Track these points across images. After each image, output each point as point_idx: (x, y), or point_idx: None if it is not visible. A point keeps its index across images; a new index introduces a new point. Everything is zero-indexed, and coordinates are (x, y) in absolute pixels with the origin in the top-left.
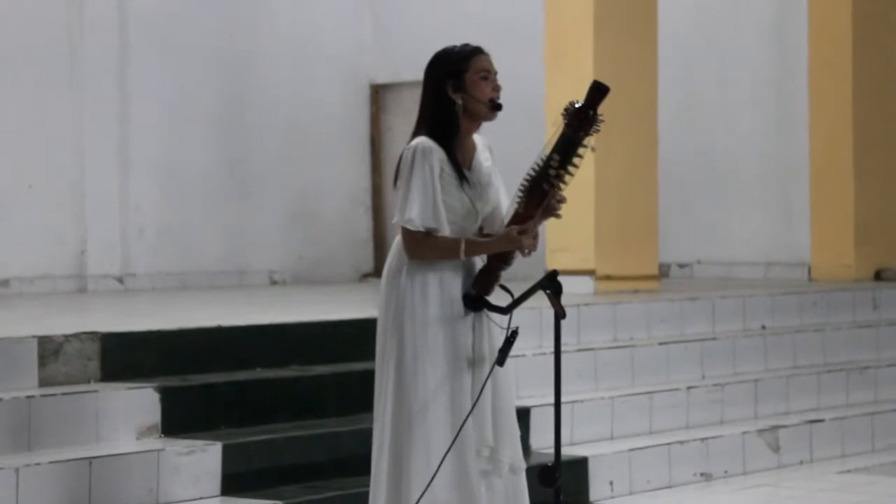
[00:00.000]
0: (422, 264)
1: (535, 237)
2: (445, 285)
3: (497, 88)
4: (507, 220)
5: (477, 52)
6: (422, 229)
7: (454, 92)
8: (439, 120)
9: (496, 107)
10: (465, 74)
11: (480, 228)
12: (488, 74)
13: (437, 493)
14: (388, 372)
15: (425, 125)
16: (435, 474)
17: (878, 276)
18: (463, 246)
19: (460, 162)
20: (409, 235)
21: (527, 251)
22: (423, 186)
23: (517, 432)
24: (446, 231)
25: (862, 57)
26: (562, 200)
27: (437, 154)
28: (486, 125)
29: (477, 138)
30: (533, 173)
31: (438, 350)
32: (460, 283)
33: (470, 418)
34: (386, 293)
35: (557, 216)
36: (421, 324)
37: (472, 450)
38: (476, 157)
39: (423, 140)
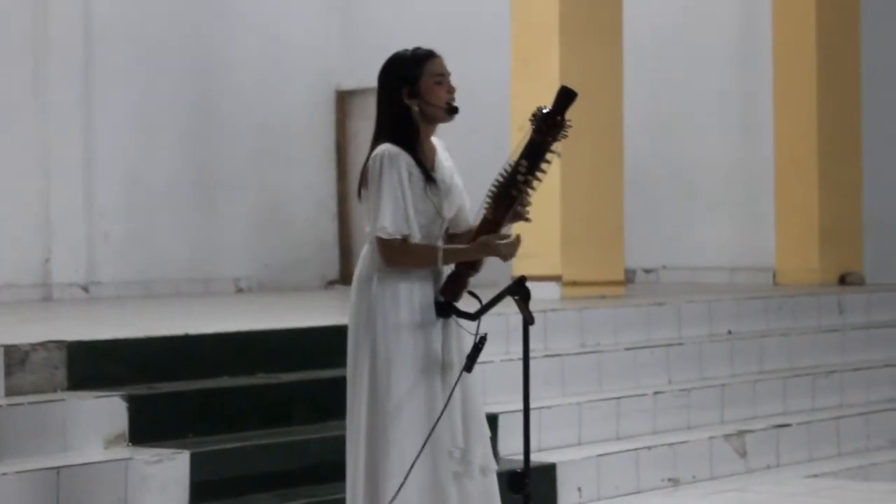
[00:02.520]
0: (392, 271)
1: (515, 244)
2: (416, 292)
3: (451, 90)
4: (475, 226)
5: (429, 55)
6: (397, 237)
7: (409, 98)
8: (399, 126)
9: (452, 110)
10: (420, 80)
11: (446, 230)
12: (442, 78)
13: (410, 495)
14: (362, 378)
15: (386, 132)
16: (407, 475)
17: (842, 280)
18: (440, 254)
19: (425, 164)
20: (384, 244)
21: (506, 258)
22: (393, 193)
23: (487, 434)
24: (417, 236)
25: (826, 63)
26: (527, 204)
27: (404, 158)
28: (452, 130)
29: (435, 140)
30: (501, 179)
31: (409, 355)
32: (430, 289)
33: (441, 421)
34: (357, 300)
35: (527, 220)
36: (392, 329)
37: (444, 453)
38: (437, 159)
39: (387, 147)
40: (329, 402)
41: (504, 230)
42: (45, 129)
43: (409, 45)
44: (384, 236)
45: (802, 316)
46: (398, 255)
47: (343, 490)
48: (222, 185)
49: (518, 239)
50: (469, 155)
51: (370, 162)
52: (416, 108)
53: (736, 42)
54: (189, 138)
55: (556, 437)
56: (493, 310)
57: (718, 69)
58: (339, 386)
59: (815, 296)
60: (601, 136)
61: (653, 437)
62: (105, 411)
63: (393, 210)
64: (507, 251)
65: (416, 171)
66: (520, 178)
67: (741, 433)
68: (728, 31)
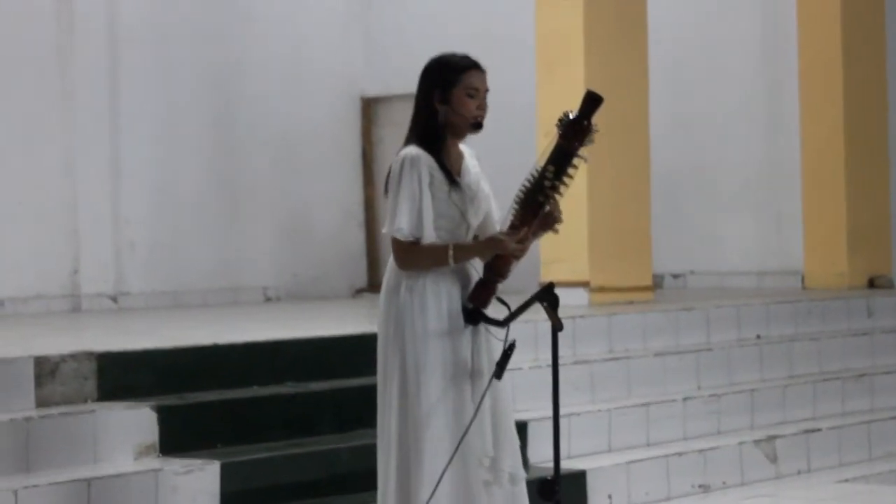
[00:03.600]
0: (420, 279)
1: (523, 245)
2: (444, 299)
3: (483, 107)
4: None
5: (471, 67)
6: (410, 238)
7: (439, 103)
8: (427, 128)
9: (476, 126)
10: (453, 89)
11: (475, 237)
12: (476, 93)
13: (441, 503)
14: (392, 387)
15: (415, 133)
16: (438, 484)
17: (871, 283)
18: (451, 252)
19: (450, 169)
20: (397, 245)
21: (515, 257)
22: (411, 196)
23: (517, 442)
24: (431, 239)
25: (852, 64)
26: (558, 214)
27: (426, 161)
28: (477, 136)
29: (463, 147)
30: (528, 185)
31: (438, 363)
32: (458, 296)
33: (471, 429)
34: (385, 308)
35: (555, 231)
36: (421, 337)
37: (474, 461)
38: (465, 165)
39: (411, 149)
40: (358, 410)
41: (531, 241)
42: (70, 140)
43: (434, 51)
44: (399, 237)
45: (832, 320)
46: (410, 256)
47: (372, 499)
48: (249, 193)
49: (528, 237)
50: (494, 161)
51: (392, 164)
52: (442, 114)
53: (761, 45)
54: (214, 147)
55: (585, 444)
56: (521, 316)
57: (743, 72)
58: (367, 395)
59: (844, 299)
60: (627, 141)
61: (683, 444)
62: (135, 422)
63: (409, 212)
64: (514, 248)
65: (439, 175)
66: (546, 183)
67: (771, 438)
68: (753, 34)
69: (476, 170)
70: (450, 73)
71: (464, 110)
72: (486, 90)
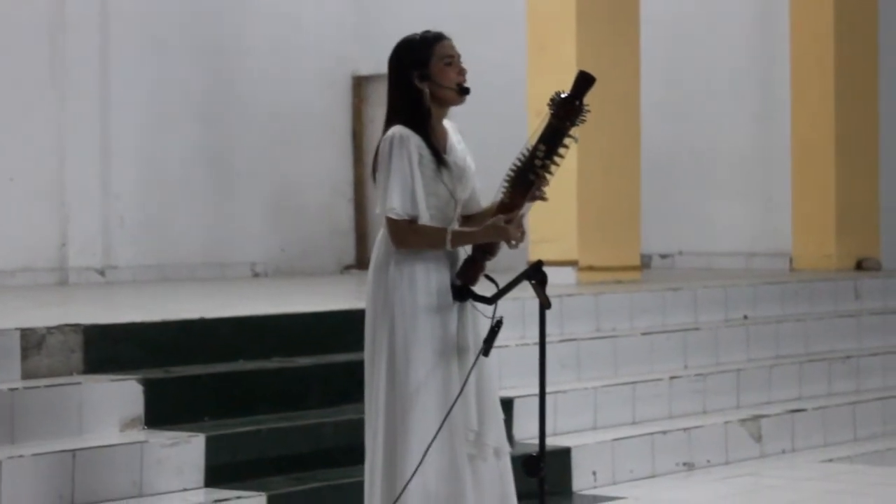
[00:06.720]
0: (409, 255)
1: (522, 229)
2: (433, 275)
3: (462, 72)
4: (488, 208)
5: (438, 38)
6: (405, 217)
7: (421, 81)
8: (411, 109)
9: (464, 91)
10: (430, 63)
11: (466, 217)
12: (452, 60)
13: (427, 478)
14: (380, 362)
15: (398, 116)
16: (423, 459)
17: (859, 265)
18: (449, 236)
19: (437, 147)
20: (393, 225)
21: (513, 243)
22: (402, 175)
23: (501, 417)
24: (425, 217)
25: (843, 47)
26: (544, 185)
27: (414, 141)
28: (467, 115)
29: (447, 123)
30: (518, 163)
31: (427, 339)
32: (447, 273)
33: (456, 404)
34: (374, 285)
35: (544, 199)
36: (410, 313)
37: (460, 436)
38: (450, 141)
39: (398, 129)
40: (344, 386)
41: (521, 213)
42: (61, 114)
43: (426, 29)
44: (393, 216)
45: (819, 301)
46: (407, 236)
47: (357, 473)
48: (238, 169)
49: (521, 220)
50: (484, 140)
51: (381, 144)
52: (427, 92)
53: (753, 26)
54: (205, 123)
55: (571, 421)
56: (509, 294)
57: (735, 53)
58: (354, 370)
59: (832, 281)
60: (618, 122)
61: (668, 422)
62: (121, 395)
63: (401, 191)
64: (515, 235)
65: (427, 154)
66: (537, 162)
67: (756, 418)
68: (745, 17)
69: (461, 146)
70: (421, 51)
71: (446, 80)
72: (459, 55)
